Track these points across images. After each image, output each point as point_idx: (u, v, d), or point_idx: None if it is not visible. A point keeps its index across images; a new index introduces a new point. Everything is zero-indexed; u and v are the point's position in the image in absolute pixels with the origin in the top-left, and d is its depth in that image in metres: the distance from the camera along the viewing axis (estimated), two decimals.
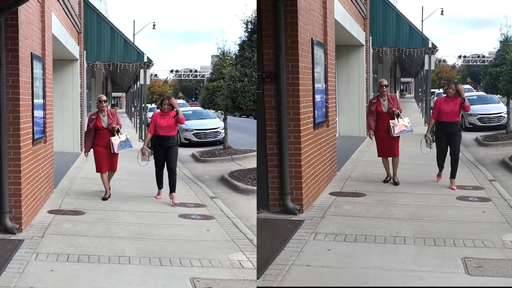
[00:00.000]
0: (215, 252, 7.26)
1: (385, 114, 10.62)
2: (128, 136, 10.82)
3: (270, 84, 8.39)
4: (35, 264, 6.56)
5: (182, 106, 28.05)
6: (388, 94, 10.83)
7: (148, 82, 24.00)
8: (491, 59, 29.68)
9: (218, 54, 21.36)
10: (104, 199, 10.35)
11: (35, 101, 9.06)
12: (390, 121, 10.54)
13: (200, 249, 7.40)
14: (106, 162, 10.56)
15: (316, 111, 9.47)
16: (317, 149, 9.58)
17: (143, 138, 22.75)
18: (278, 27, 8.19)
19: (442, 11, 55.99)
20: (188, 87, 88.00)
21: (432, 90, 35.59)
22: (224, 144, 19.58)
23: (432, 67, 24.35)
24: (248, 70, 14.81)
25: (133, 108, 37.84)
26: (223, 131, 21.09)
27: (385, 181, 10.75)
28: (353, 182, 10.87)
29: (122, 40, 21.49)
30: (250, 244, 7.64)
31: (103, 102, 10.59)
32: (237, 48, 15.99)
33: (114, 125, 10.49)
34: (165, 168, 10.44)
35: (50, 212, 9.22)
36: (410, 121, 10.76)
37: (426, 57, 23.66)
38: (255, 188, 11.19)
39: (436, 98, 33.55)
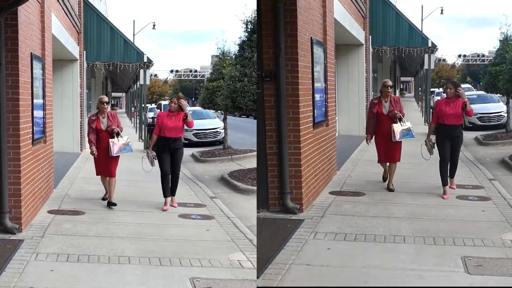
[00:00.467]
0: (215, 252, 7.26)
1: (385, 116, 10.05)
2: (129, 140, 10.22)
3: (269, 83, 8.39)
4: (35, 264, 6.56)
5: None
6: (392, 96, 10.23)
7: (148, 82, 23.95)
8: (491, 58, 29.65)
9: (218, 54, 21.35)
10: (104, 199, 10.28)
11: (34, 101, 9.05)
12: (393, 125, 9.93)
13: (200, 249, 7.40)
14: (104, 166, 10.03)
15: (315, 110, 9.45)
16: (316, 149, 9.57)
17: (142, 138, 22.64)
18: (277, 27, 8.19)
19: (442, 10, 55.99)
20: (188, 87, 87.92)
21: (431, 89, 35.60)
22: (224, 144, 19.57)
23: (432, 66, 24.35)
24: (248, 70, 14.80)
25: (133, 108, 37.85)
26: (223, 131, 21.07)
27: (383, 178, 10.50)
28: (353, 181, 10.86)
29: (122, 40, 21.47)
30: (250, 244, 7.64)
31: (105, 104, 10.03)
32: (237, 48, 16.00)
33: (113, 127, 9.90)
34: None
35: (50, 212, 9.22)
36: (412, 126, 10.12)
37: (426, 56, 23.65)
38: (255, 188, 11.19)
39: (435, 97, 33.84)
